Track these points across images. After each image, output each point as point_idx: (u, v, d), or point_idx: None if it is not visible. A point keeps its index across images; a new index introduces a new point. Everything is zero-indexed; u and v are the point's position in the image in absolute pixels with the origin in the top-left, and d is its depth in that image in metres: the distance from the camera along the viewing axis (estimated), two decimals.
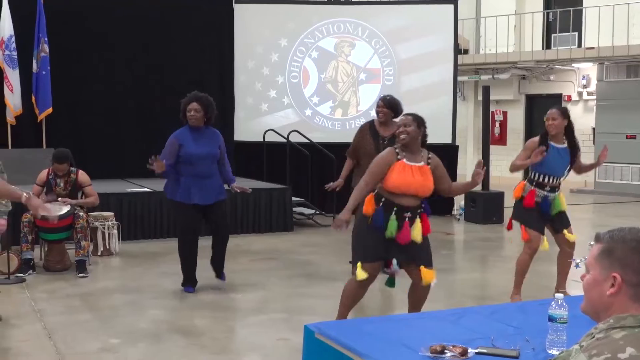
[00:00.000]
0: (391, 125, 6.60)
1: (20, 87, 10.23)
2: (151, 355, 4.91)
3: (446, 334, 3.12)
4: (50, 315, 5.83)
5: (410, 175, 4.81)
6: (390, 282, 5.17)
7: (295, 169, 11.51)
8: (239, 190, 6.96)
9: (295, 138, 11.52)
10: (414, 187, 4.81)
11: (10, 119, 10.27)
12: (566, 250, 6.23)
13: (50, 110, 10.38)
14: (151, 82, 11.41)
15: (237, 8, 12.21)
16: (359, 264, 4.90)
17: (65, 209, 7.36)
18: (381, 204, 4.85)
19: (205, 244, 6.72)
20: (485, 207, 11.21)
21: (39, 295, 6.48)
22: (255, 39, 12.25)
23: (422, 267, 4.88)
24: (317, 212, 11.22)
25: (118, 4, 11.24)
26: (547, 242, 6.17)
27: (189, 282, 6.65)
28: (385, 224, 4.80)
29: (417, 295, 5.10)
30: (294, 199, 10.64)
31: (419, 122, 4.93)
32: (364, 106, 12.28)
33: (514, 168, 6.18)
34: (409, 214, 4.83)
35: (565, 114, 6.08)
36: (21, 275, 7.10)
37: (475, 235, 10.00)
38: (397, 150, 4.90)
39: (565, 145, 6.07)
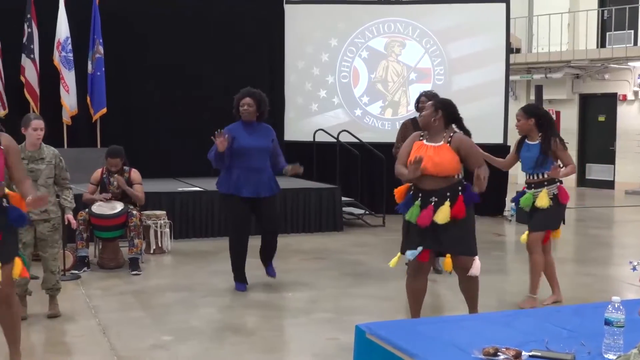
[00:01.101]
0: None
1: (75, 88, 10.45)
2: (202, 352, 4.96)
3: (499, 336, 3.08)
4: (104, 311, 5.94)
5: (423, 153, 4.82)
6: None
7: (345, 168, 11.51)
8: (291, 172, 6.74)
9: (345, 138, 11.51)
10: (422, 165, 4.76)
11: (66, 119, 10.49)
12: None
13: (104, 110, 10.58)
14: (201, 82, 11.51)
15: (288, 8, 12.27)
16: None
17: (119, 208, 7.49)
18: (411, 192, 4.93)
19: (253, 243, 6.73)
20: None
21: (93, 292, 6.61)
22: (305, 39, 12.28)
23: (448, 255, 4.84)
24: (367, 212, 11.20)
25: (170, 5, 11.36)
26: (524, 235, 6.14)
27: (240, 279, 6.70)
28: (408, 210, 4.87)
29: (464, 287, 5.05)
30: (343, 198, 10.64)
31: (437, 105, 4.93)
32: (414, 106, 12.17)
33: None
34: (434, 198, 4.80)
35: (530, 112, 6.04)
36: (76, 272, 7.27)
37: None
38: (422, 133, 4.98)
39: (538, 141, 5.99)
